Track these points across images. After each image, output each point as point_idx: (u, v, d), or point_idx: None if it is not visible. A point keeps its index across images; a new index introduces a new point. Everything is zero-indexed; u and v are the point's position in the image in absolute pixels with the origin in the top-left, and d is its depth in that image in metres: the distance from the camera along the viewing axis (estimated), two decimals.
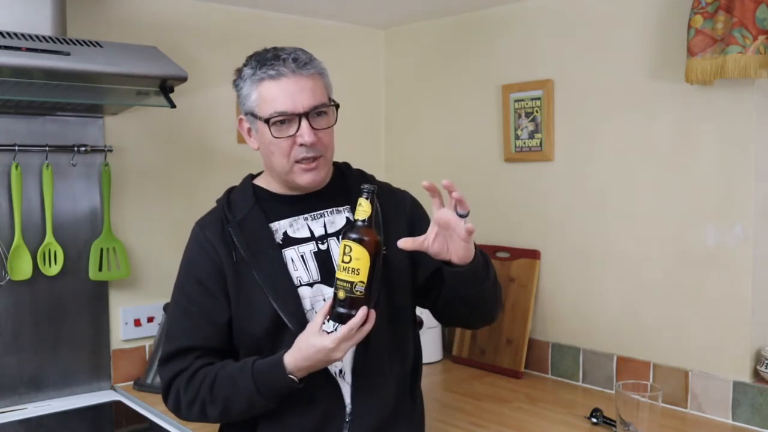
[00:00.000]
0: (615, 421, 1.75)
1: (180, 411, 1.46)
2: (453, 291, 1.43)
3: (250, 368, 1.37)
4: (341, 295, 1.32)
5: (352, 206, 1.50)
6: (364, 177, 1.58)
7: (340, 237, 1.35)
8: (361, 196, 1.34)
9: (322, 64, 1.47)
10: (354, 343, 1.34)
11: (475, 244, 1.38)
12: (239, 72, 1.47)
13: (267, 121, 1.40)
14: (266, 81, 1.40)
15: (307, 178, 1.45)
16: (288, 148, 1.42)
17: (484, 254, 1.43)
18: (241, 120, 1.50)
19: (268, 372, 1.36)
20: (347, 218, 1.52)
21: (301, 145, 1.41)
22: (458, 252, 1.33)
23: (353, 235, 1.32)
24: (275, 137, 1.41)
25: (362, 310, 1.31)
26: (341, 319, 1.32)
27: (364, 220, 1.33)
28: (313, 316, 1.42)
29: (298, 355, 1.34)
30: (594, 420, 1.94)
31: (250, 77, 1.42)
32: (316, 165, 1.44)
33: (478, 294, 1.44)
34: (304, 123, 1.40)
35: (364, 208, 1.33)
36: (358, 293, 1.31)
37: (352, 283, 1.31)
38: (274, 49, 1.45)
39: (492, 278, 1.45)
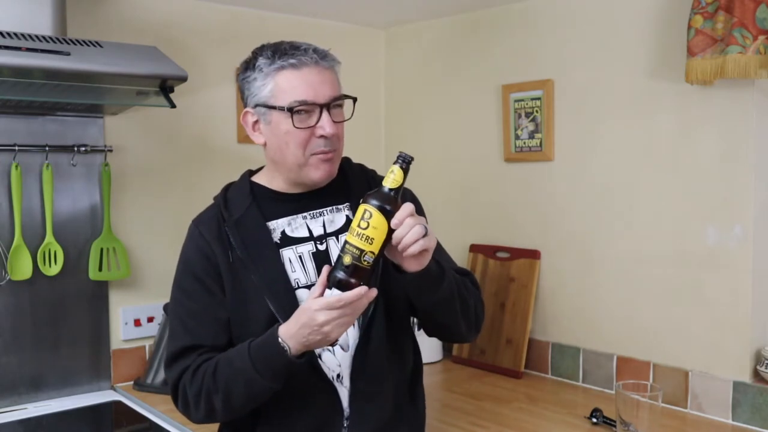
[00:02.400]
0: (615, 421, 1.75)
1: (189, 410, 1.41)
2: (412, 299, 1.40)
3: (247, 346, 1.33)
4: (347, 260, 1.23)
5: (352, 204, 1.48)
6: (365, 173, 1.55)
7: (361, 200, 1.27)
8: (395, 163, 1.25)
9: (338, 57, 1.44)
10: (342, 317, 1.25)
11: (437, 261, 1.34)
12: (249, 63, 1.41)
13: (290, 109, 1.35)
14: (286, 70, 1.36)
15: (321, 172, 1.41)
16: (306, 139, 1.38)
17: (442, 270, 1.37)
18: (246, 113, 1.44)
19: (263, 344, 1.31)
20: (347, 216, 1.48)
21: (321, 137, 1.38)
22: (409, 262, 1.29)
23: (376, 202, 1.23)
24: (296, 127, 1.36)
25: (360, 289, 1.23)
26: (339, 285, 1.24)
27: (392, 189, 1.24)
28: None
29: (290, 321, 1.29)
30: (594, 420, 1.94)
31: (267, 66, 1.37)
32: (332, 157, 1.41)
33: (433, 308, 1.40)
34: (325, 114, 1.37)
35: (396, 177, 1.24)
36: (365, 263, 1.23)
37: (362, 251, 1.22)
38: (286, 42, 1.41)
39: (447, 292, 1.38)
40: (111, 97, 2.03)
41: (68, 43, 1.83)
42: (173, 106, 1.98)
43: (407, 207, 1.26)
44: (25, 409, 2.08)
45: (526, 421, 1.97)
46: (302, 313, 1.27)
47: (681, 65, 1.94)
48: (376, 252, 1.24)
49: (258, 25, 2.54)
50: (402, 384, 1.51)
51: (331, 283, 1.26)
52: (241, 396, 1.34)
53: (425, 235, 1.25)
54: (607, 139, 2.21)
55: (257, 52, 1.41)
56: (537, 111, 2.36)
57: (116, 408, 2.14)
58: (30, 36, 1.78)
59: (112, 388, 2.27)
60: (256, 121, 1.43)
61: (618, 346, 2.20)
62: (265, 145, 1.45)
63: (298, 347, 1.29)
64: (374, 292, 1.27)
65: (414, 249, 1.24)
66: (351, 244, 1.24)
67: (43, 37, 1.80)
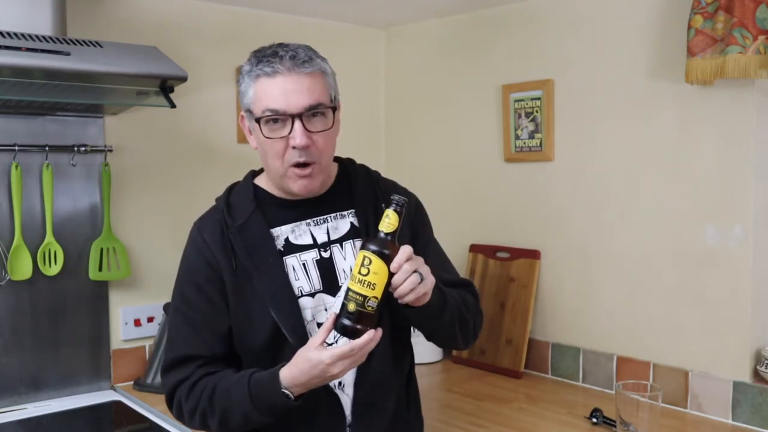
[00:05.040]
0: (615, 421, 1.75)
1: (183, 419, 1.43)
2: (414, 326, 1.43)
3: (246, 381, 1.33)
4: (351, 307, 1.24)
5: (357, 210, 1.47)
6: (369, 175, 1.53)
7: (360, 246, 1.27)
8: (389, 207, 1.27)
9: (326, 63, 1.40)
10: (353, 363, 1.27)
11: (440, 288, 1.35)
12: (241, 68, 1.41)
13: (258, 120, 1.35)
14: (262, 78, 1.34)
15: (299, 185, 1.38)
16: (282, 150, 1.35)
17: (444, 299, 1.38)
18: (242, 117, 1.43)
19: (263, 386, 1.31)
20: (351, 223, 1.47)
21: (294, 147, 1.34)
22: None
23: (375, 248, 1.24)
24: (267, 137, 1.35)
25: (369, 333, 1.24)
26: (345, 332, 1.25)
27: (388, 234, 1.26)
28: (314, 328, 1.38)
29: (294, 370, 1.28)
30: (594, 420, 1.94)
31: (248, 73, 1.36)
32: (310, 172, 1.37)
33: (435, 331, 1.42)
34: (297, 124, 1.33)
35: (391, 221, 1.26)
36: (369, 309, 1.24)
37: (365, 297, 1.24)
38: (278, 45, 1.38)
39: (448, 318, 1.39)
40: (111, 97, 2.03)
41: (68, 43, 1.83)
42: (173, 106, 1.98)
43: (405, 251, 1.26)
44: (25, 409, 2.08)
45: (526, 421, 1.97)
46: (313, 367, 1.26)
47: (681, 65, 1.95)
48: (379, 297, 1.25)
49: (258, 25, 2.54)
50: (401, 390, 1.51)
51: (338, 329, 1.27)
52: (238, 423, 1.36)
53: (422, 281, 1.26)
54: (607, 139, 2.21)
55: (250, 56, 1.40)
56: (537, 111, 2.36)
57: (116, 408, 2.14)
58: (30, 36, 1.78)
59: (112, 388, 2.27)
60: (249, 126, 1.43)
61: (618, 346, 2.20)
62: (257, 149, 1.44)
63: (302, 392, 1.30)
64: (380, 332, 1.27)
65: (410, 298, 1.27)
66: (354, 291, 1.25)
67: (43, 37, 1.80)
